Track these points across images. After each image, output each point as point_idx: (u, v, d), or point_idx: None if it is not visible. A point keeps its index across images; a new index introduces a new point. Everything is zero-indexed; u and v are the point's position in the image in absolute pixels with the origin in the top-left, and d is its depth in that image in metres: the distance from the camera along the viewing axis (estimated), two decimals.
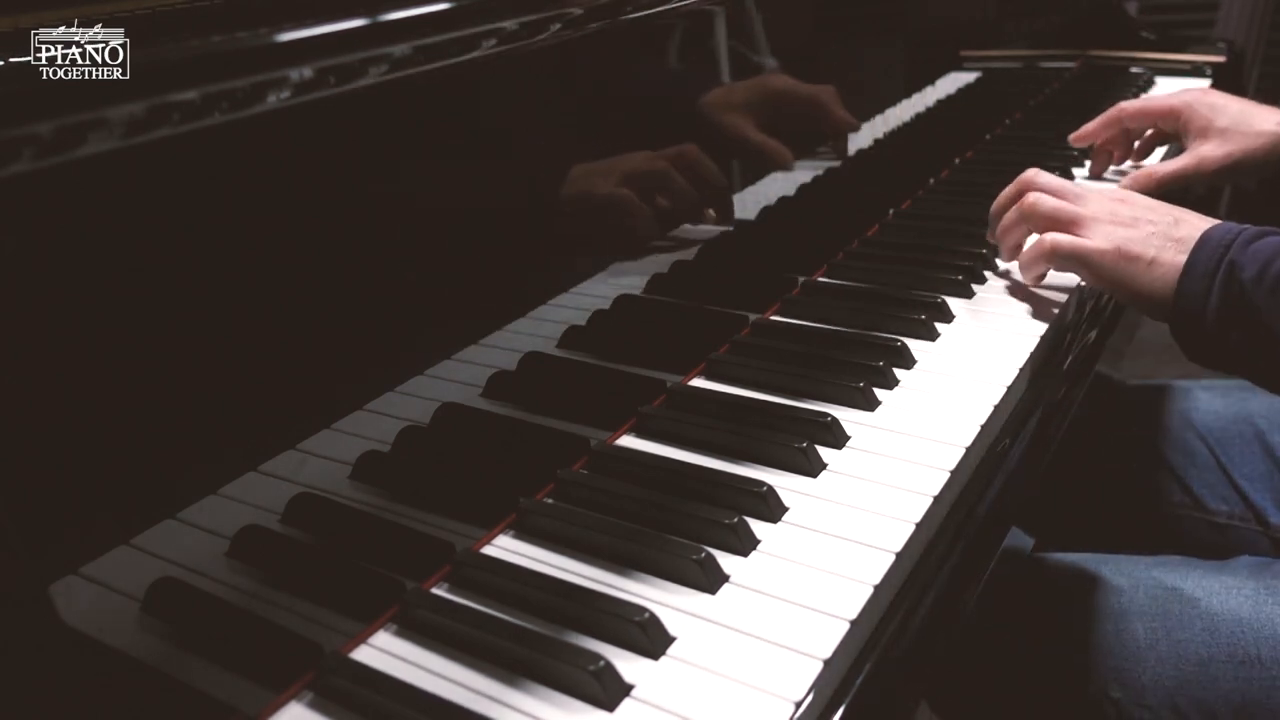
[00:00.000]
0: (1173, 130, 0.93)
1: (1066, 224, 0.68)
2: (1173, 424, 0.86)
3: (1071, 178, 0.97)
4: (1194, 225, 0.64)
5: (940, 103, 1.20)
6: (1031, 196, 0.70)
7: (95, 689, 0.40)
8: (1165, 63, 1.39)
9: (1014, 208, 0.71)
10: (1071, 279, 0.73)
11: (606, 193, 0.66)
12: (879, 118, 1.05)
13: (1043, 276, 0.72)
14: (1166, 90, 1.30)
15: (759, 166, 0.83)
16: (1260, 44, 2.21)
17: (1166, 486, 0.84)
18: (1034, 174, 0.72)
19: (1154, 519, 0.85)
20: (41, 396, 0.37)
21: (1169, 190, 0.89)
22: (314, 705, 0.41)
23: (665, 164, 0.71)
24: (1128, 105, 0.95)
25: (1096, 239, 0.66)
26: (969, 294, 0.73)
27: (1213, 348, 0.62)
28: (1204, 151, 0.87)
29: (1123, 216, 0.66)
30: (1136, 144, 1.00)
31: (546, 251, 0.65)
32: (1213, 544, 0.81)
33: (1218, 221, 0.65)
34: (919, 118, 1.14)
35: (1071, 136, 1.00)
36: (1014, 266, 0.75)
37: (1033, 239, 0.71)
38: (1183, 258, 0.62)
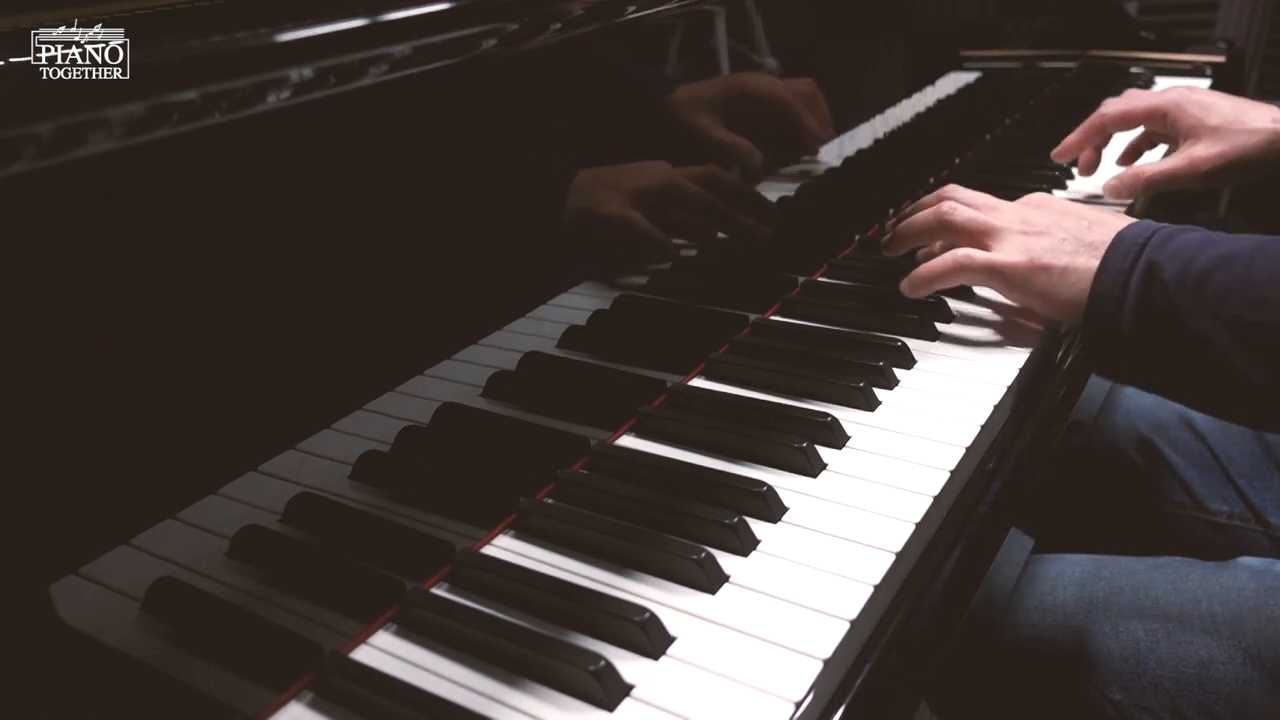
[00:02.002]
0: (1161, 131, 0.90)
1: (979, 235, 0.66)
2: (1172, 424, 0.86)
3: (1070, 177, 0.97)
4: (1109, 226, 0.61)
5: (940, 103, 1.20)
6: (946, 205, 0.68)
7: (95, 689, 0.40)
8: (1165, 63, 1.39)
9: (928, 211, 0.69)
10: None
11: (615, 211, 0.65)
12: (879, 118, 1.05)
13: (933, 290, 0.68)
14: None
15: (727, 165, 0.81)
16: (1260, 44, 2.21)
17: (1166, 486, 0.84)
18: (951, 188, 0.71)
19: (1154, 519, 0.84)
20: (42, 396, 0.37)
21: (1161, 192, 0.87)
22: (314, 705, 0.41)
23: (682, 180, 0.69)
24: (1108, 110, 0.90)
25: (1009, 251, 0.64)
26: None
27: (1128, 357, 0.58)
28: (1196, 151, 0.84)
29: (1035, 225, 0.64)
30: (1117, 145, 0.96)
31: (547, 251, 0.65)
32: (1213, 544, 0.81)
33: (1134, 220, 0.62)
34: (919, 118, 1.14)
35: (1054, 152, 0.95)
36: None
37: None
38: (1095, 261, 0.59)
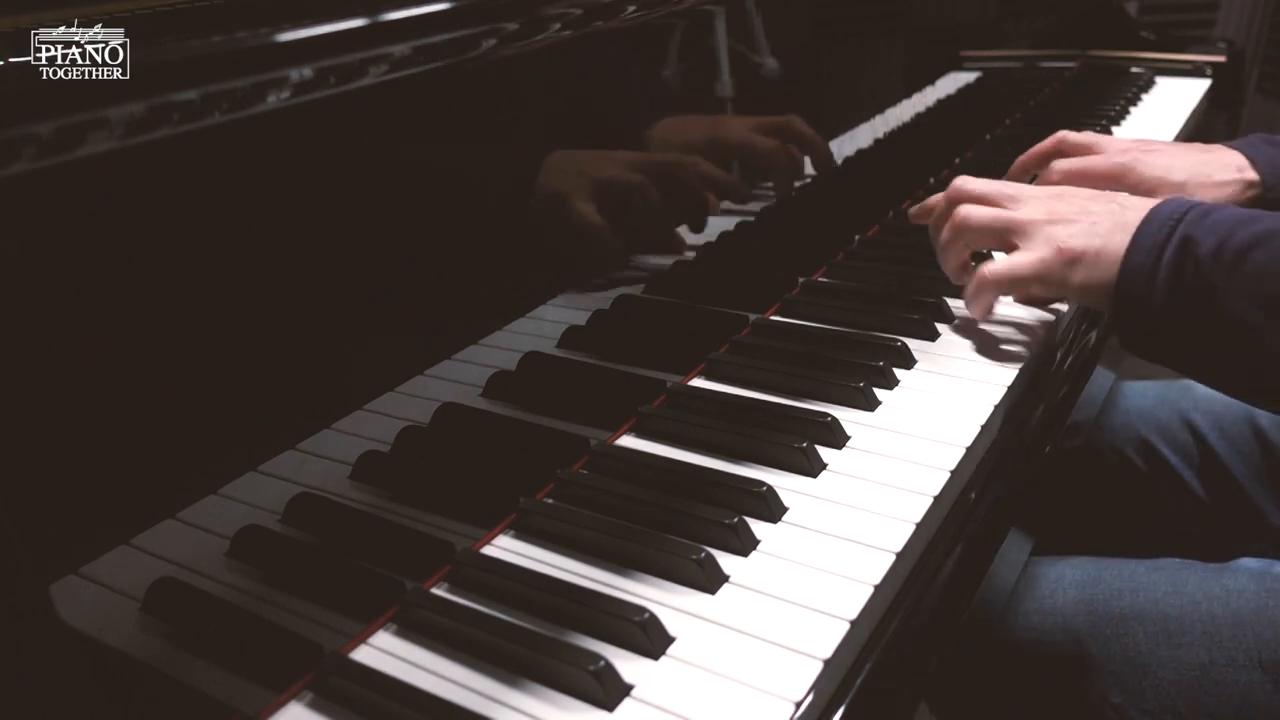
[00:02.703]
0: (1123, 190, 0.81)
1: (1002, 234, 0.62)
2: (1172, 423, 0.86)
3: None
4: (1143, 205, 0.58)
5: (940, 103, 1.20)
6: (961, 211, 0.64)
7: (95, 689, 0.40)
8: (1165, 63, 1.39)
9: (946, 227, 0.65)
10: None
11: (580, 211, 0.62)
12: (879, 118, 1.05)
13: (991, 308, 0.66)
14: (1166, 91, 1.30)
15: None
16: (1260, 44, 2.21)
17: (1166, 488, 0.84)
18: (962, 182, 0.66)
19: (1154, 520, 0.84)
20: (42, 396, 0.37)
21: None
22: (314, 705, 0.41)
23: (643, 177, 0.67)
24: (1066, 169, 0.79)
25: (1035, 249, 0.60)
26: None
27: (1156, 334, 0.56)
28: None
29: (1062, 213, 0.60)
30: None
31: (547, 251, 0.65)
32: (1213, 546, 0.81)
33: (1168, 197, 0.59)
34: (919, 118, 1.14)
35: None
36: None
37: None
38: (1129, 240, 0.56)
